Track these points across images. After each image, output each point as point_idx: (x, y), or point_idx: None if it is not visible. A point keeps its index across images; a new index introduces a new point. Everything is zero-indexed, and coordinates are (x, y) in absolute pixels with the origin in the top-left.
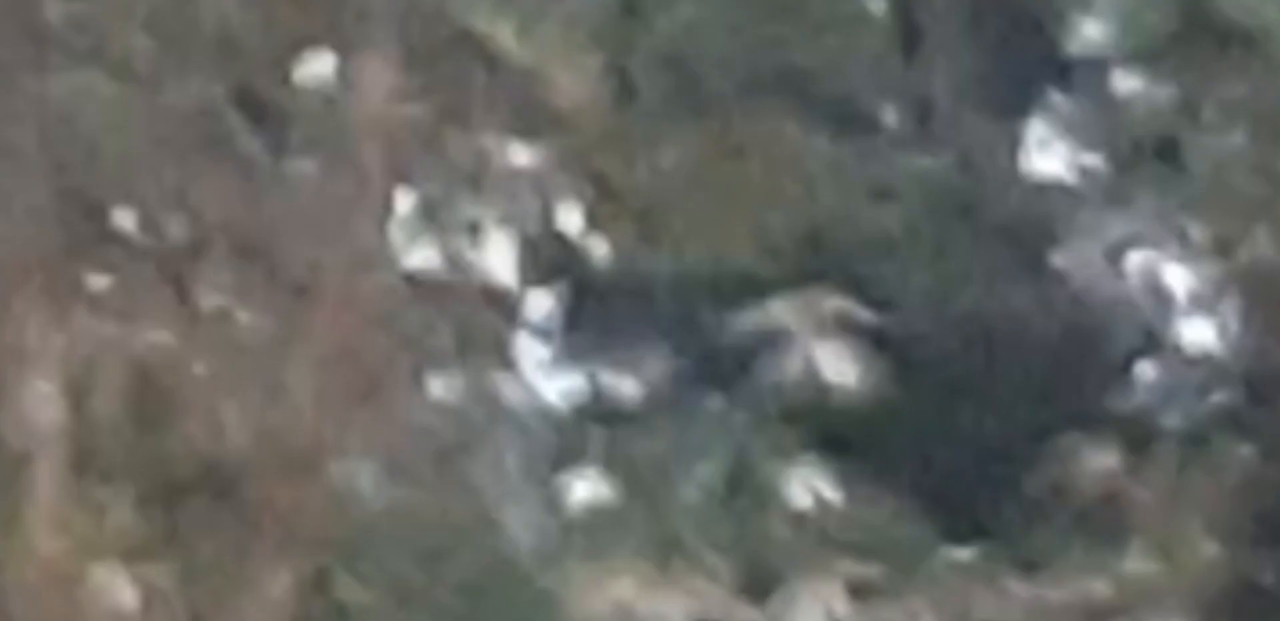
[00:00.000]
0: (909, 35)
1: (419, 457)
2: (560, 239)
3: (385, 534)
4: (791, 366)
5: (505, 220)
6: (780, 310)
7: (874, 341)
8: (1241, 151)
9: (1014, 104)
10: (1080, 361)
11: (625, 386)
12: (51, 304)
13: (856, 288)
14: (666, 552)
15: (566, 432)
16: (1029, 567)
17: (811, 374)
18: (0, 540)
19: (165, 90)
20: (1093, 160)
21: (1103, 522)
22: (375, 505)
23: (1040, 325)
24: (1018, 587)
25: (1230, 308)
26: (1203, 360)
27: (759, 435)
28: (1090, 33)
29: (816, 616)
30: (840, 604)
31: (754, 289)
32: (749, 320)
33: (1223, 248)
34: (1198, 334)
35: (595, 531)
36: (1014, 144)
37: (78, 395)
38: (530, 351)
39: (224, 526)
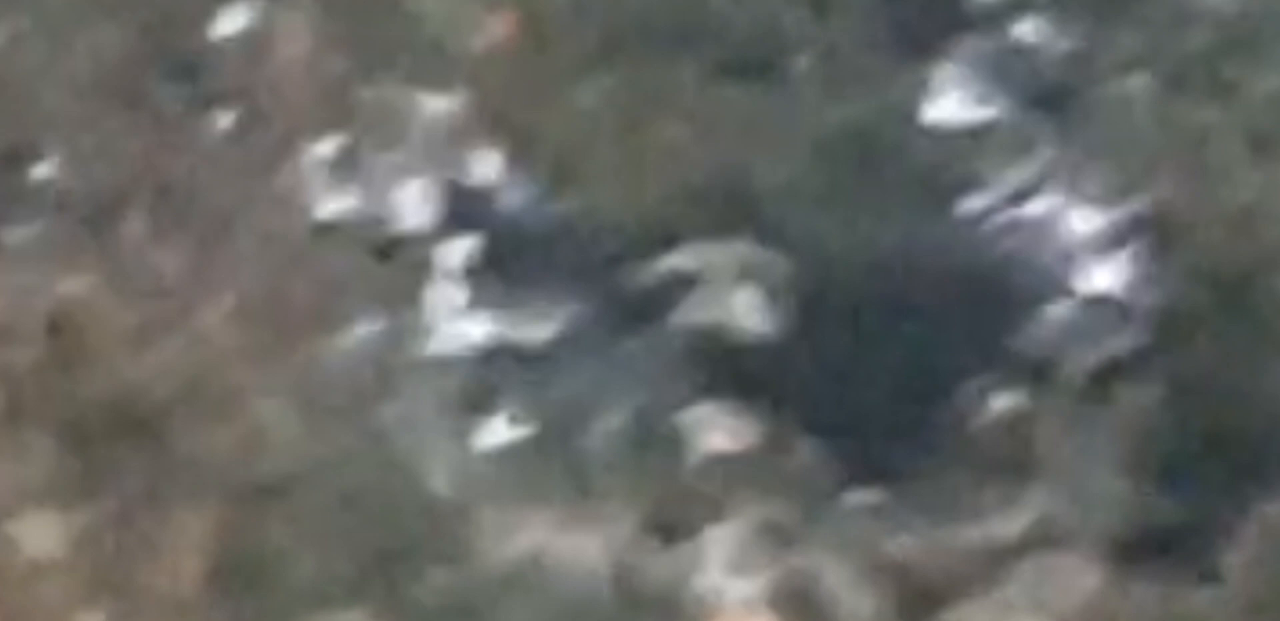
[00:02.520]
0: None
1: (335, 401)
2: (474, 186)
3: (303, 477)
4: (703, 311)
5: (420, 167)
6: (692, 256)
7: (784, 286)
8: (1143, 98)
9: (918, 52)
10: (985, 305)
11: (538, 331)
12: None
13: (766, 234)
14: (579, 496)
15: (479, 377)
16: (936, 509)
17: (723, 318)
18: None
19: (82, 40)
20: (996, 107)
21: (1009, 464)
22: (294, 448)
23: (945, 270)
24: (925, 529)
25: (1133, 252)
26: (1106, 303)
27: (670, 379)
28: None
29: (726, 559)
30: (749, 546)
31: (666, 235)
32: (661, 266)
33: (1125, 193)
34: (1101, 277)
35: (508, 474)
36: (919, 92)
37: None
38: (444, 297)
39: (146, 469)
